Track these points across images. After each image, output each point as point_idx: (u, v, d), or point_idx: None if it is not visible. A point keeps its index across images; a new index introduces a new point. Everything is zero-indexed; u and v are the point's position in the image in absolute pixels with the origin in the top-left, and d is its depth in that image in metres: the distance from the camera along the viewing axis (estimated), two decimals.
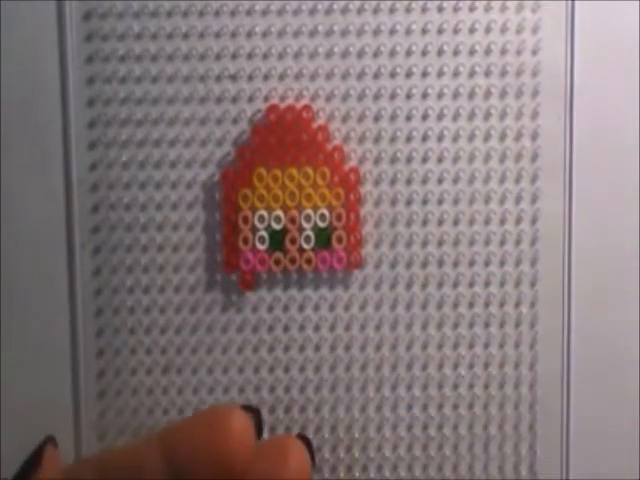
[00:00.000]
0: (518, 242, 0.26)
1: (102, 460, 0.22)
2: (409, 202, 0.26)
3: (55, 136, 0.26)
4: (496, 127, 0.26)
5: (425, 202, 0.26)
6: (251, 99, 0.26)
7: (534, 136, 0.26)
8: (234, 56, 0.26)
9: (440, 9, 0.26)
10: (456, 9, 0.26)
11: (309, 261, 0.26)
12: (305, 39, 0.26)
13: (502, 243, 0.26)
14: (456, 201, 0.26)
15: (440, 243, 0.26)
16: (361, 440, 0.27)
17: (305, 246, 0.26)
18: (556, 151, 0.26)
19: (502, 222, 0.26)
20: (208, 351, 0.26)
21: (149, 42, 0.26)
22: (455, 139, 0.26)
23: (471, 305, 0.26)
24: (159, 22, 0.26)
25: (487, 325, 0.26)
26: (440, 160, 0.26)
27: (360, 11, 0.26)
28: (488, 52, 0.26)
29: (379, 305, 0.26)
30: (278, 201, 0.26)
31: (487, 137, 0.26)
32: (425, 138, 0.26)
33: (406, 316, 0.26)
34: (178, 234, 0.26)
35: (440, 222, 0.26)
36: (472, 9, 0.26)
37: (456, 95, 0.26)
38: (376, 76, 0.26)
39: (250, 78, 0.26)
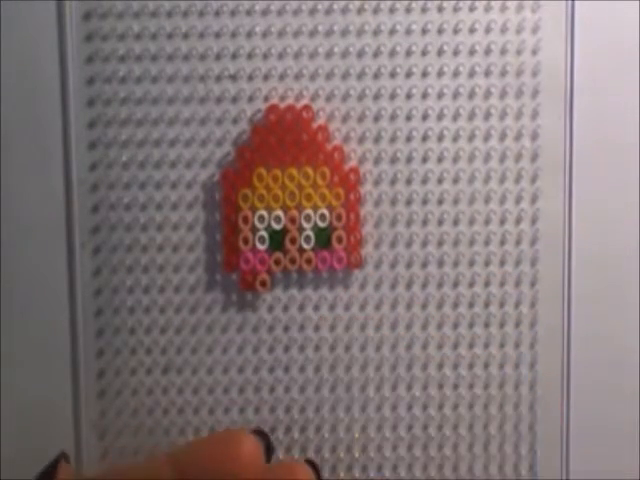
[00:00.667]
0: (518, 242, 0.26)
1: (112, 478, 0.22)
2: (409, 202, 0.26)
3: (55, 136, 0.26)
4: (496, 127, 0.26)
5: (425, 202, 0.26)
6: (251, 99, 0.26)
7: (534, 136, 0.26)
8: (234, 56, 0.26)
9: (440, 9, 0.26)
10: (456, 9, 0.26)
11: (309, 261, 0.26)
12: (305, 39, 0.26)
13: (502, 243, 0.26)
14: (456, 201, 0.26)
15: (440, 243, 0.26)
16: (361, 440, 0.27)
17: (305, 246, 0.26)
18: (556, 151, 0.26)
19: (502, 222, 0.26)
20: (208, 351, 0.26)
21: (149, 42, 0.26)
22: (455, 139, 0.26)
23: (471, 305, 0.26)
24: (159, 22, 0.26)
25: (487, 325, 0.26)
26: (440, 160, 0.26)
27: (360, 11, 0.26)
28: (488, 52, 0.26)
29: (379, 305, 0.26)
30: (278, 201, 0.26)
31: (487, 137, 0.26)
32: (425, 138, 0.26)
33: (406, 316, 0.26)
34: (178, 234, 0.26)
35: (440, 222, 0.26)
36: (472, 9, 0.26)
37: (456, 95, 0.26)
38: (376, 76, 0.26)
39: (250, 78, 0.26)
